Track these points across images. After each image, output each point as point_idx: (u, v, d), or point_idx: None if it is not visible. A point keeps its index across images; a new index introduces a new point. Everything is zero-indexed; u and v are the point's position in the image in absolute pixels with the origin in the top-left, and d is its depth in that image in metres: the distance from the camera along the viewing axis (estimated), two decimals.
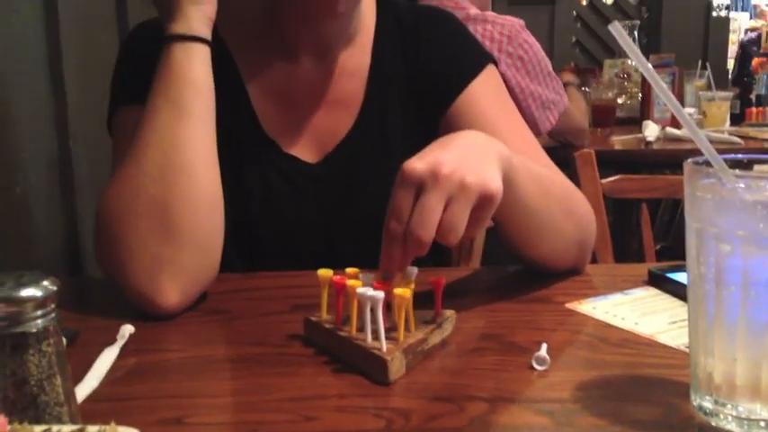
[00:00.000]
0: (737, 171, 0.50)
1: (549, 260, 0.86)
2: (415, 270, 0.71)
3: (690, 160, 0.53)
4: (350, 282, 0.66)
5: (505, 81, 1.87)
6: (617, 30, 0.51)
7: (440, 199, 0.65)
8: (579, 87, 2.40)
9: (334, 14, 0.88)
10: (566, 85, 2.24)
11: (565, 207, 0.85)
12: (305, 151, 0.96)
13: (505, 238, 0.82)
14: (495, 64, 1.01)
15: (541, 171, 0.83)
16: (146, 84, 0.81)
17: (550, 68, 1.96)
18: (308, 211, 0.96)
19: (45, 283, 0.41)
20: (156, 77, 0.81)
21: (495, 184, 0.68)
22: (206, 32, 0.82)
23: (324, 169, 0.96)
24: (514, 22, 1.89)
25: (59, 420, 0.42)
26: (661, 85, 0.53)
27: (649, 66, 0.53)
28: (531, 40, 1.91)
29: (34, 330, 0.41)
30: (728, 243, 0.50)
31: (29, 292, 0.40)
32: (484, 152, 0.71)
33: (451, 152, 0.68)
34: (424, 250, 0.66)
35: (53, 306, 0.42)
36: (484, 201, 0.67)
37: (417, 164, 0.67)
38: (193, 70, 0.81)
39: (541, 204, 0.80)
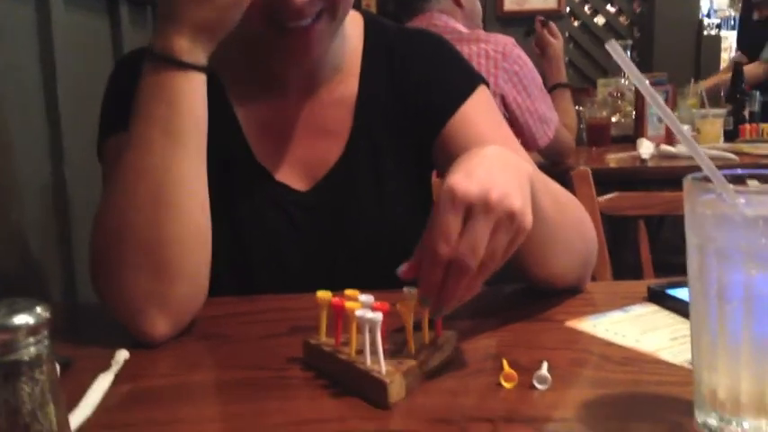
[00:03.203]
0: (738, 186, 0.50)
1: (558, 278, 0.86)
2: (414, 291, 0.70)
3: (689, 176, 0.52)
4: (348, 304, 0.65)
5: (504, 97, 1.89)
6: (613, 48, 0.51)
7: (489, 226, 0.63)
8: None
9: (309, 60, 0.87)
10: (559, 86, 2.26)
11: (576, 224, 0.85)
12: (295, 179, 0.96)
13: (517, 256, 0.81)
14: (487, 84, 1.01)
15: (556, 187, 0.83)
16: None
17: (542, 85, 1.99)
18: (301, 238, 0.95)
19: (38, 309, 0.40)
20: (150, 105, 0.78)
21: (530, 218, 0.66)
22: (206, 63, 0.80)
23: (315, 197, 0.95)
24: (507, 40, 1.92)
25: None
26: (658, 101, 0.52)
27: (646, 82, 0.53)
28: (524, 55, 1.94)
29: (27, 358, 0.40)
30: (730, 258, 0.49)
31: (21, 319, 0.40)
32: (520, 175, 0.69)
33: (498, 175, 0.66)
34: (465, 278, 0.64)
35: (46, 333, 0.41)
36: (518, 233, 0.66)
37: (469, 186, 0.63)
38: (195, 101, 0.78)
39: (557, 221, 0.79)
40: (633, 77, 0.52)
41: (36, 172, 1.28)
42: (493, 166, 0.67)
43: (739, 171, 0.53)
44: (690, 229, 0.52)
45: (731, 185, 0.50)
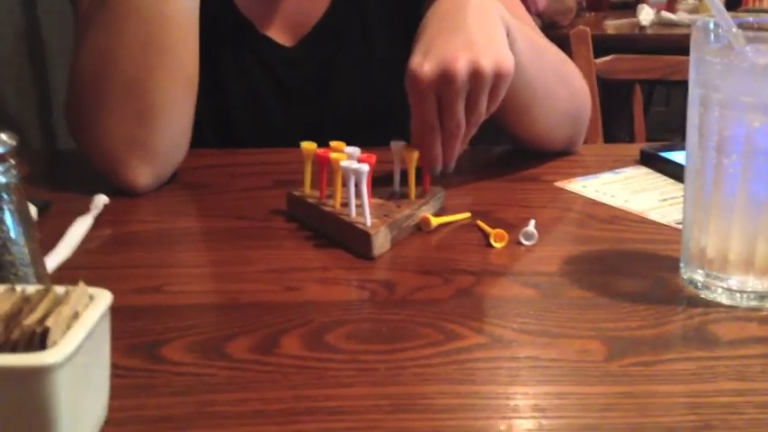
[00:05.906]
0: (749, 33, 0.47)
1: (544, 135, 0.83)
2: (401, 144, 0.68)
3: (698, 21, 0.49)
4: (334, 155, 0.63)
5: None
6: None
7: (462, 98, 0.64)
8: None
9: None
10: None
11: (560, 75, 0.82)
12: (280, 34, 0.91)
13: (498, 111, 0.79)
14: None
15: (536, 36, 0.80)
16: None
17: None
18: (286, 96, 0.92)
19: (2, 137, 0.38)
20: None
21: (508, 59, 0.65)
22: None
23: (300, 53, 0.91)
24: None
25: (25, 281, 0.40)
26: None
27: None
28: None
29: None
30: (734, 109, 0.47)
31: None
32: (486, 20, 0.67)
33: (456, 37, 0.65)
34: (459, 139, 0.67)
35: (12, 162, 0.39)
36: (499, 79, 0.65)
37: (425, 66, 0.63)
38: None
39: (537, 70, 0.76)
40: None
41: (8, 16, 1.22)
42: (452, 29, 0.66)
43: (750, 19, 0.50)
44: (693, 80, 0.50)
45: (743, 32, 0.47)
